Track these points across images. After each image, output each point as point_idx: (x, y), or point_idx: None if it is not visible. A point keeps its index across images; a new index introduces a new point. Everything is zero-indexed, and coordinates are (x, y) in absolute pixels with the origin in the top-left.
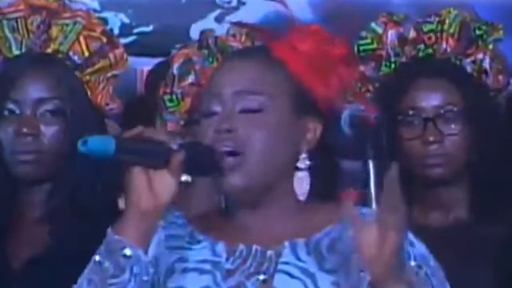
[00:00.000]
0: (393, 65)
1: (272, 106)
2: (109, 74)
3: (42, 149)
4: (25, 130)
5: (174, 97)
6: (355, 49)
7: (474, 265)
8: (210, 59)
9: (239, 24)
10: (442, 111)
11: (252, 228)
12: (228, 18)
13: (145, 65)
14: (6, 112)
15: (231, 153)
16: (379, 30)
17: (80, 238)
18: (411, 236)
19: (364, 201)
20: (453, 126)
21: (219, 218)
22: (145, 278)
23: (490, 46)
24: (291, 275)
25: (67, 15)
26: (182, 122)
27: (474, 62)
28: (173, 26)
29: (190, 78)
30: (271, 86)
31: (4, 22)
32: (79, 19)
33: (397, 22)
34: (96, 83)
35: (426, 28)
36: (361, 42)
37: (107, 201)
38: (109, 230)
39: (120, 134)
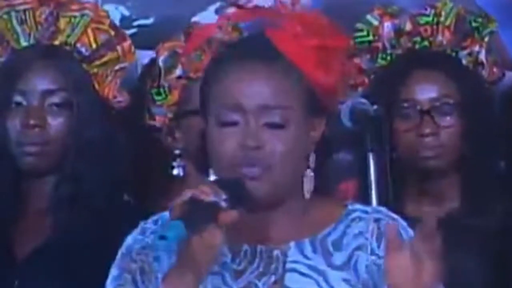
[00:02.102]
0: (389, 57)
1: (292, 120)
2: (116, 67)
3: (49, 141)
4: (32, 121)
5: (161, 90)
6: (352, 41)
7: (467, 255)
8: (198, 52)
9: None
10: (438, 104)
11: (256, 228)
12: (228, 10)
13: (145, 57)
14: (13, 104)
15: (257, 166)
16: (375, 22)
17: (84, 230)
18: None
19: (364, 194)
20: (448, 118)
21: None
22: None
23: (486, 39)
24: (301, 273)
25: (75, 7)
26: (170, 115)
27: (469, 54)
28: (173, 18)
29: (178, 71)
30: (290, 98)
31: (13, 13)
32: (87, 11)
33: (392, 14)
34: (103, 75)
35: (422, 20)
36: (358, 34)
37: (112, 193)
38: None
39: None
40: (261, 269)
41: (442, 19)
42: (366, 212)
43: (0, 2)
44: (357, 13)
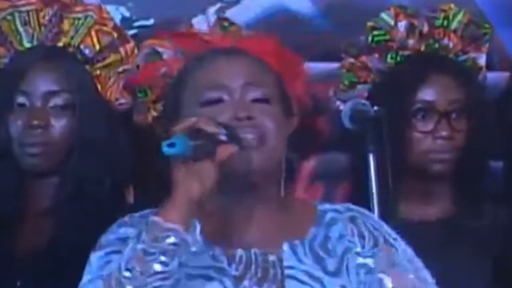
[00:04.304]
0: (398, 58)
1: (274, 98)
2: (119, 69)
3: (51, 142)
4: (35, 122)
5: (142, 87)
6: (370, 39)
7: (465, 257)
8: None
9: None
10: (453, 107)
11: (245, 226)
12: (228, 12)
13: None
14: (16, 105)
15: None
16: (391, 21)
17: (86, 230)
18: (390, 231)
19: (364, 195)
20: (461, 122)
21: (205, 215)
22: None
23: (486, 45)
24: (300, 281)
25: (78, 9)
26: (154, 113)
27: (468, 59)
28: (173, 19)
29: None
30: (269, 81)
31: (16, 14)
32: (90, 13)
33: (409, 14)
34: (106, 77)
35: (437, 22)
36: (376, 32)
37: (115, 193)
38: (155, 218)
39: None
40: (259, 275)
41: (450, 23)
42: (338, 211)
43: (3, 3)
44: (357, 14)
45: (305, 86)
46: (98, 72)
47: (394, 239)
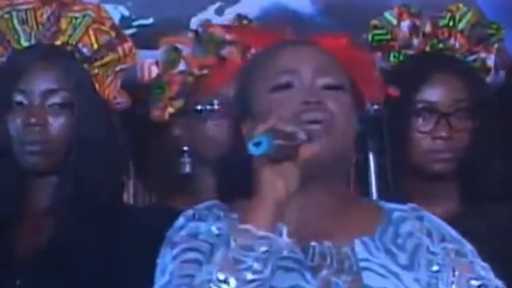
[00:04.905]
0: (401, 57)
1: (347, 87)
2: (117, 68)
3: (50, 140)
4: (33, 120)
5: (160, 83)
6: (370, 38)
7: None
8: (203, 49)
9: (243, 17)
10: (455, 108)
11: (315, 222)
12: (228, 10)
13: (145, 57)
14: (14, 104)
15: (320, 122)
16: (393, 21)
17: (86, 230)
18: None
19: (364, 194)
20: (463, 122)
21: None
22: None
23: (495, 45)
24: (377, 273)
25: (76, 8)
26: (171, 110)
27: (477, 59)
28: (173, 18)
29: (180, 66)
30: (340, 70)
31: (14, 13)
32: (88, 12)
33: (413, 14)
34: (104, 76)
35: (441, 23)
36: (377, 32)
37: (113, 193)
38: (247, 226)
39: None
40: (336, 266)
41: (456, 23)
42: (405, 211)
43: (1, 1)
44: (358, 13)
45: (375, 88)
46: (96, 71)
47: (457, 234)
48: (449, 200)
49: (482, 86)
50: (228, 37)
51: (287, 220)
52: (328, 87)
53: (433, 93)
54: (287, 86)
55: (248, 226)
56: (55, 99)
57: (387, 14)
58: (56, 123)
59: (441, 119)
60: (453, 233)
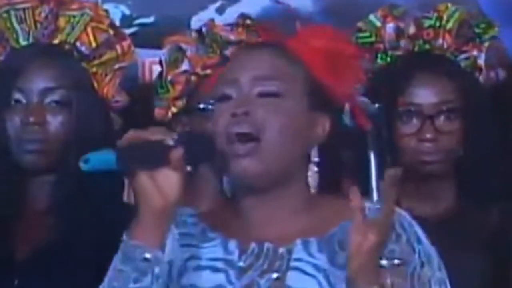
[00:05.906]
0: (388, 58)
1: (288, 92)
2: (116, 66)
3: (48, 139)
4: (31, 119)
5: (163, 83)
6: (354, 40)
7: (463, 256)
8: (207, 49)
9: (246, 17)
10: (440, 109)
11: (264, 224)
12: (229, 9)
13: (146, 56)
14: (12, 102)
15: (246, 135)
16: (377, 23)
17: (84, 229)
18: (420, 233)
19: (364, 193)
20: (449, 123)
21: (230, 213)
22: (165, 277)
23: (486, 44)
24: (304, 272)
25: (74, 6)
26: (174, 110)
27: (468, 58)
28: (174, 17)
29: (184, 66)
30: (287, 74)
31: (12, 12)
32: (87, 10)
33: (396, 16)
34: (103, 75)
35: (426, 23)
36: (360, 35)
37: (112, 192)
38: (124, 237)
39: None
40: (265, 267)
41: (444, 22)
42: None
43: None
44: (359, 12)
45: (353, 80)
46: (94, 69)
47: (418, 240)
48: (443, 200)
49: (472, 85)
50: (232, 37)
51: (232, 223)
52: (264, 95)
53: (417, 95)
54: (227, 97)
55: (124, 237)
56: (54, 97)
57: (371, 17)
58: (55, 122)
59: (426, 121)
60: (415, 238)
